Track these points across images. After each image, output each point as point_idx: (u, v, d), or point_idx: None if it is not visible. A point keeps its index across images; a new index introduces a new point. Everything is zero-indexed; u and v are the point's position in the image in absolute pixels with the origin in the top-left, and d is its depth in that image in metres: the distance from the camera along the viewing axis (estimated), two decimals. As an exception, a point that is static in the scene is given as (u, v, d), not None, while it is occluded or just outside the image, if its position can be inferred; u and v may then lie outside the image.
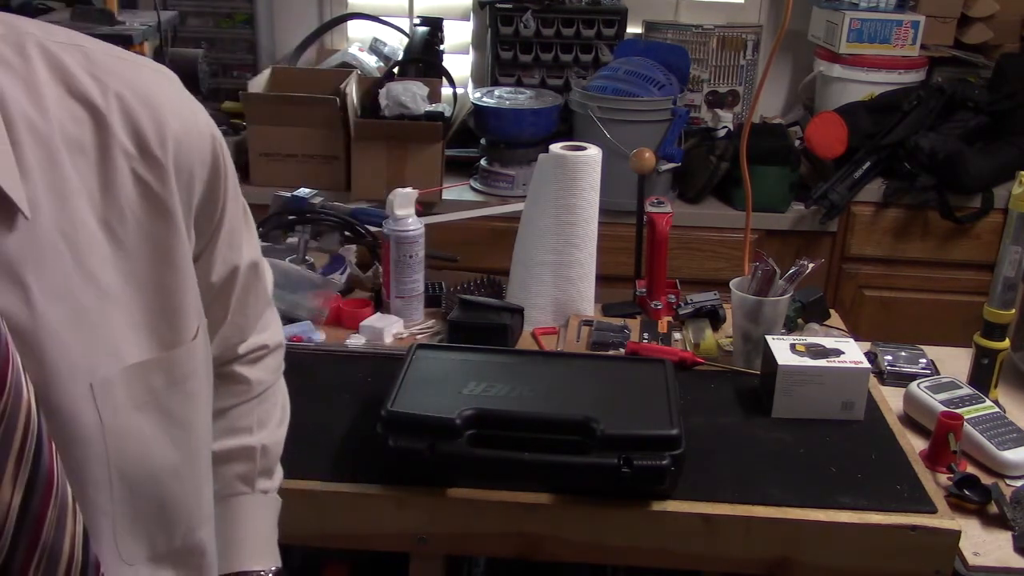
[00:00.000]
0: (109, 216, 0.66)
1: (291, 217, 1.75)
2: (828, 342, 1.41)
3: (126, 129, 0.68)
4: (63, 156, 0.64)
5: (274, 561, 0.93)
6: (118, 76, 0.69)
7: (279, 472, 0.97)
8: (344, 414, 1.34)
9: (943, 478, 1.27)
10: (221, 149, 0.77)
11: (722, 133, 2.62)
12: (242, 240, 0.85)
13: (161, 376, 0.69)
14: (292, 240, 1.76)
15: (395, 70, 2.66)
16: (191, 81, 2.56)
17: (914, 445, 1.32)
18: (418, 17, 2.86)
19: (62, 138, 0.65)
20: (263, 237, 1.74)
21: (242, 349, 0.92)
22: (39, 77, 0.65)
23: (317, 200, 1.77)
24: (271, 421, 0.96)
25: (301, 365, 1.46)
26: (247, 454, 0.92)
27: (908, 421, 1.43)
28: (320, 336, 1.57)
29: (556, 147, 1.61)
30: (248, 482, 0.92)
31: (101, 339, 0.65)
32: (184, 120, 0.72)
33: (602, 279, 1.70)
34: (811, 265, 1.49)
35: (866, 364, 1.36)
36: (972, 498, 1.23)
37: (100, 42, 0.71)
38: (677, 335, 1.61)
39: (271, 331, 0.96)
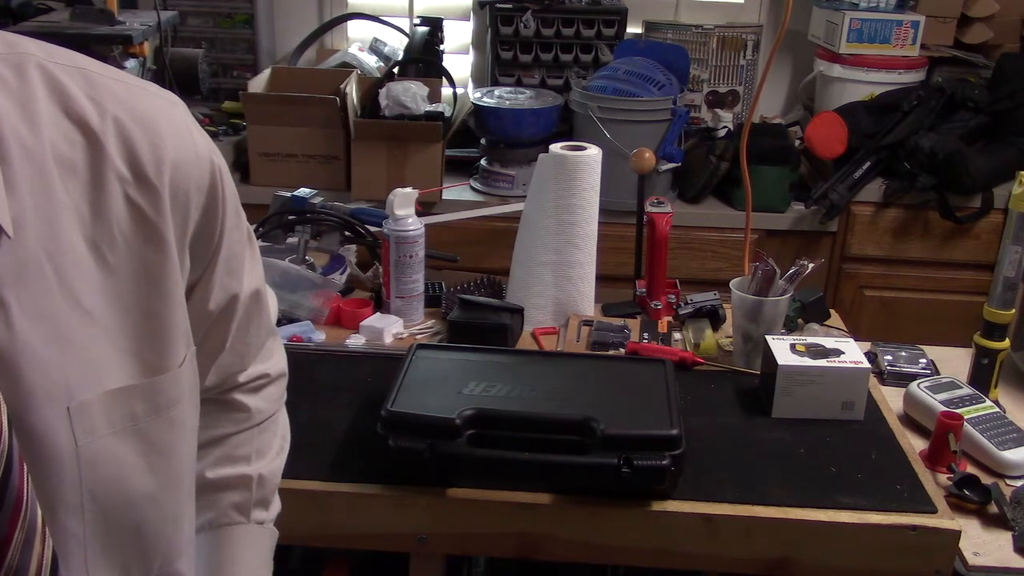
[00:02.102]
0: (99, 239, 0.66)
1: (291, 217, 1.75)
2: (828, 342, 1.41)
3: (121, 153, 0.67)
4: (54, 176, 0.64)
5: None
6: (118, 100, 0.69)
7: (276, 504, 0.96)
8: (344, 414, 1.34)
9: (943, 478, 1.27)
10: (221, 175, 0.76)
11: (722, 133, 2.62)
12: (243, 268, 0.84)
13: (143, 402, 0.68)
14: (292, 240, 1.76)
15: (395, 70, 2.66)
16: (191, 81, 2.56)
17: (914, 445, 1.32)
18: (418, 17, 2.86)
19: (55, 158, 0.64)
20: (263, 237, 1.74)
21: (243, 378, 0.91)
22: (36, 97, 0.65)
23: (317, 200, 1.77)
24: (270, 451, 0.95)
25: (301, 365, 1.46)
26: (243, 483, 0.91)
27: (908, 421, 1.43)
28: (320, 336, 1.57)
29: (556, 147, 1.61)
30: (243, 512, 0.91)
31: (82, 362, 0.64)
32: (182, 145, 0.72)
33: (602, 279, 1.70)
34: (811, 265, 1.49)
35: (866, 364, 1.36)
36: (972, 498, 1.23)
37: (105, 66, 0.71)
38: (677, 335, 1.61)
39: (274, 361, 0.95)
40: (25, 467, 0.60)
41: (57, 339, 0.63)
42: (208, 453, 0.88)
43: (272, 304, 0.93)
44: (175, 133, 0.71)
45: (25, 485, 0.59)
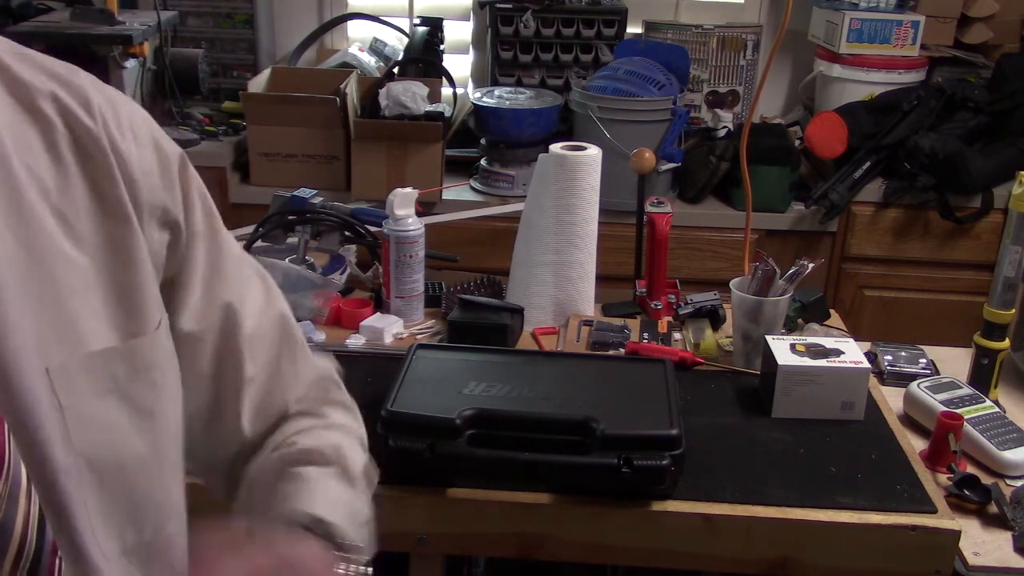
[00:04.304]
0: (64, 208, 0.67)
1: (291, 217, 1.75)
2: (828, 342, 1.41)
3: (69, 128, 0.69)
4: (10, 152, 0.65)
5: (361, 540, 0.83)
6: (60, 78, 0.70)
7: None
8: (344, 414, 1.33)
9: (943, 478, 1.27)
10: (167, 150, 0.77)
11: (722, 133, 2.62)
12: (229, 271, 0.82)
13: (124, 365, 0.69)
14: (292, 240, 1.76)
15: (395, 70, 2.66)
16: (191, 81, 2.56)
17: (914, 445, 1.32)
18: (418, 17, 2.86)
19: (10, 137, 0.66)
20: (263, 237, 1.74)
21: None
22: None
23: (317, 200, 1.77)
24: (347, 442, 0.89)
25: (301, 365, 1.46)
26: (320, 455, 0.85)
27: (908, 421, 1.43)
28: (320, 336, 1.57)
29: (556, 147, 1.61)
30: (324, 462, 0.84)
31: (59, 326, 0.66)
32: (132, 124, 0.73)
33: (602, 279, 1.70)
34: (811, 265, 1.49)
35: (866, 364, 1.36)
36: (972, 498, 1.23)
37: (39, 53, 0.72)
38: (677, 335, 1.61)
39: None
40: (7, 425, 0.61)
41: (32, 305, 0.64)
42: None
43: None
44: (121, 111, 0.73)
45: (7, 441, 0.60)
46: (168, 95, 2.56)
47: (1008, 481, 1.29)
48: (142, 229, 0.72)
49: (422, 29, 2.72)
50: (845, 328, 1.67)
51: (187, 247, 0.78)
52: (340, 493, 0.83)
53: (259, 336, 0.84)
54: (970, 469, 1.29)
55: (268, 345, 0.85)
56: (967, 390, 1.43)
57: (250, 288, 0.84)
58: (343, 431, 0.89)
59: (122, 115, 0.73)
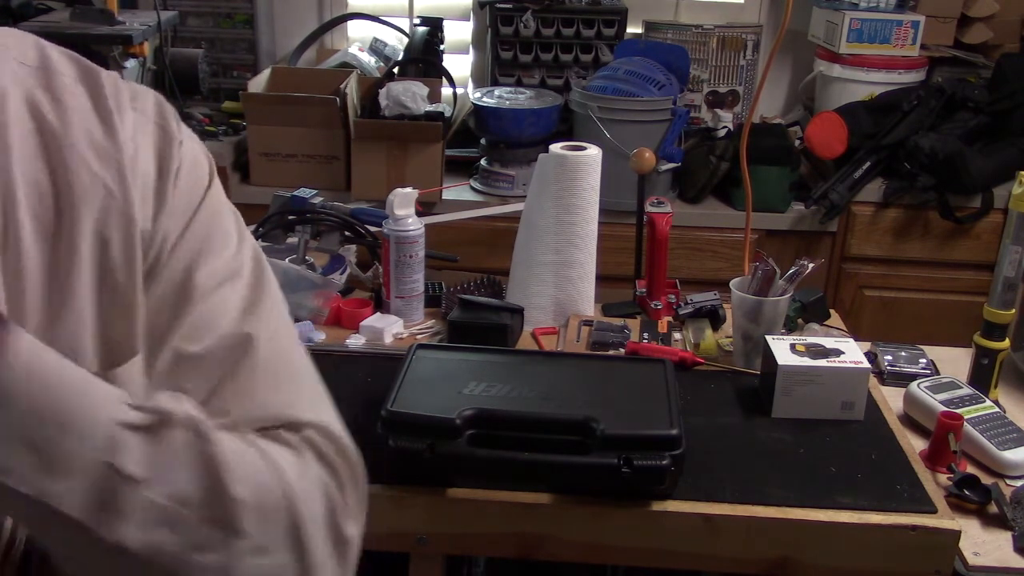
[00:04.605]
0: (58, 218, 0.64)
1: (291, 217, 1.75)
2: (828, 342, 1.41)
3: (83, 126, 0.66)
4: (14, 161, 0.63)
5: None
6: (80, 108, 0.67)
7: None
8: (344, 414, 1.33)
9: (943, 478, 1.27)
10: (170, 136, 0.71)
11: (722, 133, 2.62)
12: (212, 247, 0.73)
13: None
14: (292, 240, 1.76)
15: (395, 70, 2.66)
16: (191, 81, 2.56)
17: (914, 445, 1.32)
18: (418, 17, 2.86)
19: (17, 145, 0.63)
20: (263, 237, 1.74)
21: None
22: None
23: (317, 200, 1.77)
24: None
25: (301, 365, 1.46)
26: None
27: (908, 421, 1.43)
28: (320, 336, 1.57)
29: (556, 147, 1.61)
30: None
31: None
32: (125, 130, 0.69)
33: (602, 279, 1.70)
34: (811, 265, 1.49)
35: (866, 364, 1.36)
36: (972, 498, 1.23)
37: (59, 60, 0.70)
38: (677, 335, 1.61)
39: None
40: None
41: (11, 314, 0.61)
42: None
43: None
44: (127, 130, 0.69)
45: None
46: (168, 95, 2.55)
47: (1008, 481, 1.29)
48: (144, 236, 0.69)
49: (422, 29, 2.72)
50: (845, 328, 1.67)
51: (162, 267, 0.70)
52: (112, 394, 0.59)
53: (201, 355, 0.70)
54: (970, 469, 1.29)
55: (212, 366, 0.70)
56: (967, 390, 1.43)
57: (216, 299, 0.72)
58: (258, 451, 0.66)
59: (126, 128, 0.70)
